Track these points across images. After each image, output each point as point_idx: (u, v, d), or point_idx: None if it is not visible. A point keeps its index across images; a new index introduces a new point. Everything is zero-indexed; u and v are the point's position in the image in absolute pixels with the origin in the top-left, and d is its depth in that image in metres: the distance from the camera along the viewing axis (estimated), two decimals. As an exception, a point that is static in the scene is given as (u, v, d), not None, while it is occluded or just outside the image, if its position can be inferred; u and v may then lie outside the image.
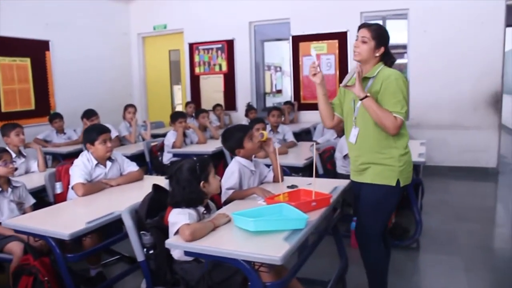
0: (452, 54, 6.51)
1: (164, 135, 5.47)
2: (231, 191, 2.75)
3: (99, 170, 3.32)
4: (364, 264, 2.76)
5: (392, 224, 3.96)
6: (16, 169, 3.26)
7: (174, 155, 5.05)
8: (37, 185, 3.46)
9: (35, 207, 3.12)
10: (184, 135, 5.36)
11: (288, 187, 2.81)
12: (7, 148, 3.73)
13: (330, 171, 4.23)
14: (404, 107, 2.41)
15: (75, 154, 3.43)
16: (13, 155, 3.84)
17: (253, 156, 3.05)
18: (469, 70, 6.45)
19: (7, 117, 6.14)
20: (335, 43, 7.23)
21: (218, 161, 4.89)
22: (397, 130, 2.42)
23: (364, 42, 2.50)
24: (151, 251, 2.27)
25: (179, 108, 8.96)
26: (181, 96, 9.10)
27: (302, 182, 2.93)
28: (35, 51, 6.80)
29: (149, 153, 5.25)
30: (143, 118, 7.81)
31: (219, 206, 2.61)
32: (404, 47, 7.07)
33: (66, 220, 2.62)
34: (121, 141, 5.92)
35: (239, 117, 7.76)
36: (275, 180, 2.99)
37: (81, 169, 3.18)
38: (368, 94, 2.40)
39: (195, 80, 8.50)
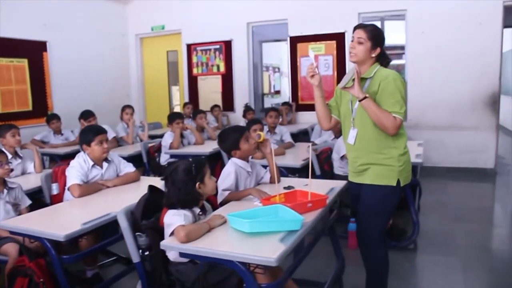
0: (450, 55, 6.51)
1: (161, 136, 5.47)
2: (227, 192, 2.74)
3: (96, 171, 3.31)
4: (365, 265, 2.75)
5: (389, 225, 3.95)
6: (12, 170, 3.26)
7: (172, 156, 5.04)
8: (33, 186, 3.46)
9: (32, 208, 3.10)
10: (182, 136, 5.35)
11: (284, 188, 2.80)
12: (3, 149, 3.71)
13: (327, 172, 4.22)
14: (403, 107, 2.41)
15: (73, 155, 3.42)
16: (9, 156, 3.83)
17: (250, 157, 3.05)
18: (467, 71, 6.45)
19: (4, 118, 6.13)
20: (333, 44, 7.23)
21: (216, 162, 4.90)
22: (397, 130, 2.42)
23: (360, 43, 2.50)
24: (147, 253, 2.26)
25: (177, 109, 8.96)
26: (179, 97, 9.09)
27: (298, 183, 2.92)
28: (33, 51, 6.78)
29: (147, 154, 5.25)
30: (141, 119, 7.79)
31: (215, 207, 2.60)
32: (402, 48, 7.07)
33: (61, 221, 2.62)
34: (118, 142, 5.92)
35: (237, 118, 7.75)
36: (272, 181, 2.99)
37: (77, 170, 3.17)
38: (367, 95, 2.40)
39: (193, 81, 8.49)
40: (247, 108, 7.15)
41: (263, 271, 1.92)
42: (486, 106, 6.45)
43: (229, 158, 2.99)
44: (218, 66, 8.21)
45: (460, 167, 6.62)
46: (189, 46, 8.42)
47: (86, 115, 5.71)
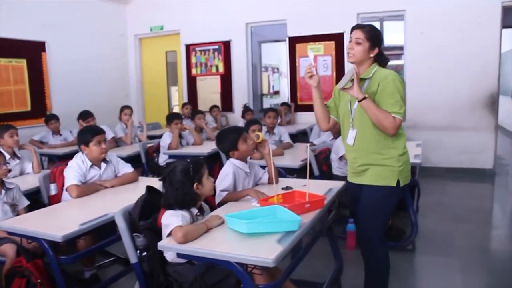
0: (449, 56, 6.51)
1: (160, 137, 5.46)
2: (225, 193, 2.74)
3: (94, 171, 3.31)
4: (365, 265, 2.75)
5: (388, 226, 3.95)
6: (9, 170, 3.26)
7: (170, 156, 5.04)
8: (31, 187, 3.45)
9: (30, 208, 3.09)
10: (180, 136, 5.35)
11: (282, 188, 2.80)
12: (1, 149, 3.73)
13: (325, 173, 4.22)
14: (402, 107, 2.41)
15: (71, 156, 3.42)
16: (7, 156, 3.84)
17: (249, 157, 3.04)
18: (466, 71, 6.45)
19: (3, 118, 6.13)
20: (331, 44, 7.23)
21: (214, 163, 4.90)
22: (396, 130, 2.41)
23: (358, 44, 2.49)
24: (144, 253, 2.26)
25: (176, 109, 8.95)
26: (178, 97, 9.09)
27: (297, 184, 2.92)
28: (31, 52, 6.77)
29: (145, 155, 5.24)
30: (139, 120, 7.79)
31: (213, 208, 2.60)
32: (401, 48, 7.06)
33: (59, 222, 2.61)
34: (117, 142, 5.92)
35: (236, 118, 7.74)
36: (270, 181, 2.98)
37: (75, 170, 3.17)
38: (366, 96, 2.39)
39: (191, 81, 8.48)
40: (246, 109, 7.14)
41: (261, 272, 1.92)
42: (485, 107, 6.45)
43: (227, 159, 2.99)
44: (217, 67, 8.21)
45: (459, 168, 6.62)
46: (188, 47, 8.41)
47: (85, 115, 5.71)
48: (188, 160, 2.34)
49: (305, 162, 4.07)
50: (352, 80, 2.43)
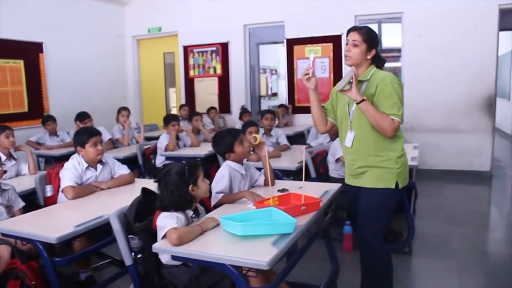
0: (446, 58, 6.52)
1: (158, 138, 5.45)
2: (220, 195, 2.73)
3: (90, 173, 3.30)
4: (364, 268, 2.75)
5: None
6: (5, 171, 3.25)
7: (167, 158, 5.04)
8: (27, 188, 3.44)
9: (26, 210, 3.08)
10: (178, 138, 5.35)
11: (278, 190, 2.79)
12: (-3, 150, 3.72)
13: (322, 175, 4.22)
14: (401, 109, 2.41)
15: (68, 157, 3.41)
16: (3, 157, 3.83)
17: (246, 159, 3.04)
18: (463, 74, 6.46)
19: (0, 119, 6.11)
20: (329, 46, 7.23)
21: (211, 164, 4.89)
22: (395, 132, 2.42)
23: (356, 46, 2.49)
24: (139, 255, 2.25)
25: (174, 111, 8.94)
26: (175, 99, 9.08)
27: (293, 186, 2.91)
28: (29, 53, 6.77)
29: (142, 156, 5.24)
30: (137, 121, 7.79)
31: (209, 210, 2.59)
32: (398, 50, 7.07)
33: (54, 223, 2.60)
34: (114, 143, 5.91)
35: (234, 120, 7.75)
36: (266, 183, 2.97)
37: (71, 172, 3.16)
38: (364, 98, 2.39)
39: (189, 83, 8.48)
40: (243, 110, 7.14)
41: (255, 274, 1.92)
42: (482, 109, 6.46)
43: (224, 161, 2.98)
44: (214, 68, 8.20)
45: (456, 170, 6.62)
46: (185, 48, 8.41)
47: (82, 116, 5.71)
48: (184, 162, 2.34)
49: (302, 164, 4.06)
50: (350, 83, 2.42)
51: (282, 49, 7.76)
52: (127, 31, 8.88)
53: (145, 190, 2.40)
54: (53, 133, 5.93)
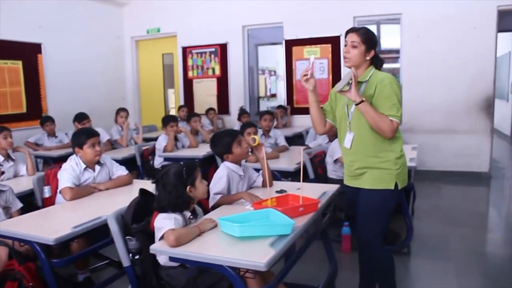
0: (445, 59, 6.52)
1: (156, 139, 5.45)
2: (218, 196, 2.73)
3: (88, 174, 3.30)
4: (362, 270, 2.76)
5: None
6: (3, 172, 3.24)
7: (165, 159, 5.02)
8: (25, 189, 3.43)
9: (24, 211, 3.08)
10: (176, 139, 5.34)
11: (276, 192, 2.79)
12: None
13: (320, 176, 4.21)
14: (399, 110, 2.41)
15: (66, 158, 3.40)
16: (1, 158, 3.85)
17: (244, 160, 3.04)
18: (462, 75, 6.47)
19: (-2, 120, 6.11)
20: (328, 47, 7.24)
21: (209, 166, 4.88)
22: (393, 133, 2.41)
23: (354, 47, 2.48)
24: (137, 257, 2.25)
25: (173, 112, 8.94)
26: (174, 99, 9.08)
27: (291, 187, 2.91)
28: (27, 53, 6.76)
29: (141, 157, 5.23)
30: (136, 122, 7.78)
31: (207, 211, 2.59)
32: (397, 51, 7.08)
33: (52, 224, 2.59)
34: (112, 144, 5.90)
35: (232, 121, 7.75)
36: (264, 184, 2.97)
37: (69, 173, 3.15)
38: (363, 99, 2.39)
39: (188, 84, 8.47)
40: (242, 111, 7.15)
41: (253, 276, 1.92)
42: (481, 110, 6.46)
43: (222, 162, 2.98)
44: (213, 69, 8.20)
45: (454, 171, 6.63)
46: (184, 49, 8.40)
47: (80, 117, 5.70)
48: (182, 163, 2.33)
49: (300, 165, 4.06)
50: (349, 83, 2.42)
51: (280, 50, 7.76)
52: (125, 32, 8.88)
53: (143, 191, 2.40)
54: (52, 134, 5.92)
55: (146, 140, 6.25)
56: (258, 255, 1.81)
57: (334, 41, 7.17)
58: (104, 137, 5.64)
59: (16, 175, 4.01)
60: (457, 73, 6.48)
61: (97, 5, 8.11)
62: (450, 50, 6.48)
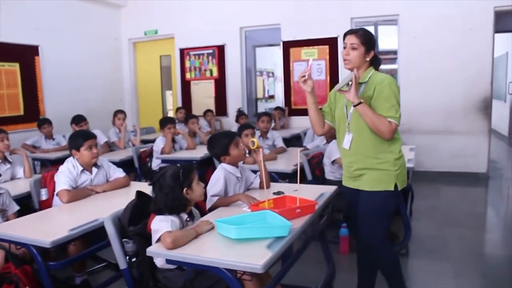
0: (442, 60, 6.53)
1: (154, 141, 5.44)
2: (215, 198, 2.72)
3: (85, 176, 3.29)
4: (361, 271, 2.75)
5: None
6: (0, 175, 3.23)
7: (163, 161, 5.02)
8: (22, 192, 3.42)
9: (20, 213, 3.06)
10: (174, 141, 5.34)
11: (274, 193, 2.78)
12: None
13: (318, 177, 4.20)
14: (398, 112, 2.41)
15: (64, 160, 3.39)
16: (-2, 161, 3.82)
17: (241, 162, 3.03)
18: (459, 76, 6.48)
19: (-5, 122, 6.09)
20: (325, 48, 7.24)
21: (207, 167, 4.88)
22: (392, 134, 2.41)
23: (354, 49, 2.48)
24: (134, 259, 2.24)
25: (171, 113, 8.94)
26: (172, 101, 9.07)
27: (288, 189, 2.90)
28: (25, 56, 6.75)
29: (138, 159, 5.22)
30: (134, 124, 7.78)
31: (204, 213, 2.58)
32: (394, 52, 7.08)
33: (49, 227, 2.58)
34: (110, 147, 5.89)
35: (230, 122, 7.74)
36: (261, 186, 2.96)
37: (66, 175, 3.14)
38: (361, 100, 2.39)
39: (186, 86, 8.47)
40: (240, 113, 7.15)
41: (250, 278, 1.91)
42: (478, 111, 6.47)
43: (220, 163, 2.97)
44: (211, 71, 8.20)
45: (452, 172, 6.63)
46: (182, 51, 8.40)
47: (78, 119, 5.69)
48: (179, 165, 2.33)
49: (297, 166, 4.06)
50: (349, 84, 2.42)
51: (278, 51, 7.76)
52: (123, 33, 8.88)
53: (139, 193, 2.39)
54: (49, 136, 5.91)
55: (144, 142, 6.25)
56: (255, 257, 1.80)
57: (331, 43, 7.17)
58: (102, 139, 5.64)
59: (13, 178, 4.00)
60: (454, 74, 6.49)
61: (94, 7, 8.10)
62: (447, 51, 6.49)
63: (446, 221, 4.66)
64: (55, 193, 3.14)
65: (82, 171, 3.27)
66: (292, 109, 7.61)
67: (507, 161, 8.51)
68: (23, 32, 6.69)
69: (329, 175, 4.18)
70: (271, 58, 9.87)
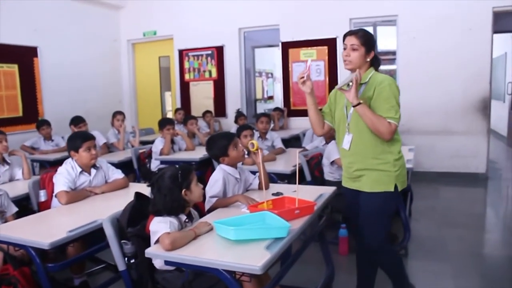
0: (441, 60, 6.54)
1: (153, 142, 5.44)
2: (214, 199, 2.72)
3: (84, 177, 3.28)
4: (360, 271, 2.75)
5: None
6: (-2, 177, 3.23)
7: (162, 162, 5.01)
8: (21, 193, 3.41)
9: (19, 215, 3.05)
10: (173, 142, 5.33)
11: (273, 194, 2.78)
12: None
13: (317, 178, 4.20)
14: (398, 112, 2.41)
15: (63, 161, 3.39)
16: (-4, 162, 3.81)
17: (240, 163, 3.03)
18: (458, 76, 6.48)
19: (-6, 124, 6.09)
20: (324, 49, 7.25)
21: (206, 168, 4.87)
22: (392, 135, 2.41)
23: (355, 50, 2.48)
24: (133, 260, 2.24)
25: (170, 114, 8.93)
26: (171, 102, 9.07)
27: (287, 190, 2.91)
28: (23, 57, 6.75)
29: (137, 160, 5.21)
30: (133, 125, 7.77)
31: (203, 214, 2.58)
32: (393, 53, 7.09)
33: (47, 228, 2.58)
34: (109, 148, 5.89)
35: (229, 123, 7.73)
36: (260, 187, 2.96)
37: (64, 177, 3.14)
38: (361, 101, 2.39)
39: (185, 87, 8.47)
40: (239, 114, 7.14)
41: (249, 279, 1.91)
42: (477, 111, 6.47)
43: (218, 164, 2.97)
44: (210, 72, 8.20)
45: (451, 172, 6.63)
46: (181, 52, 8.40)
47: (77, 121, 5.69)
48: (177, 166, 2.33)
49: (296, 167, 4.05)
50: (349, 85, 2.42)
51: (277, 52, 7.76)
52: (122, 35, 8.87)
53: (138, 195, 2.39)
54: (48, 137, 5.90)
55: (143, 143, 6.24)
56: (253, 258, 1.80)
57: (330, 43, 7.17)
58: (101, 140, 5.64)
59: (11, 179, 3.99)
60: (453, 75, 6.49)
61: (93, 8, 8.10)
62: (446, 51, 6.50)
63: (445, 222, 4.66)
64: (53, 194, 3.13)
65: (80, 172, 3.26)
66: (291, 110, 7.61)
67: (506, 161, 8.52)
68: (22, 33, 6.68)
69: (328, 175, 4.18)
70: (270, 59, 9.87)
